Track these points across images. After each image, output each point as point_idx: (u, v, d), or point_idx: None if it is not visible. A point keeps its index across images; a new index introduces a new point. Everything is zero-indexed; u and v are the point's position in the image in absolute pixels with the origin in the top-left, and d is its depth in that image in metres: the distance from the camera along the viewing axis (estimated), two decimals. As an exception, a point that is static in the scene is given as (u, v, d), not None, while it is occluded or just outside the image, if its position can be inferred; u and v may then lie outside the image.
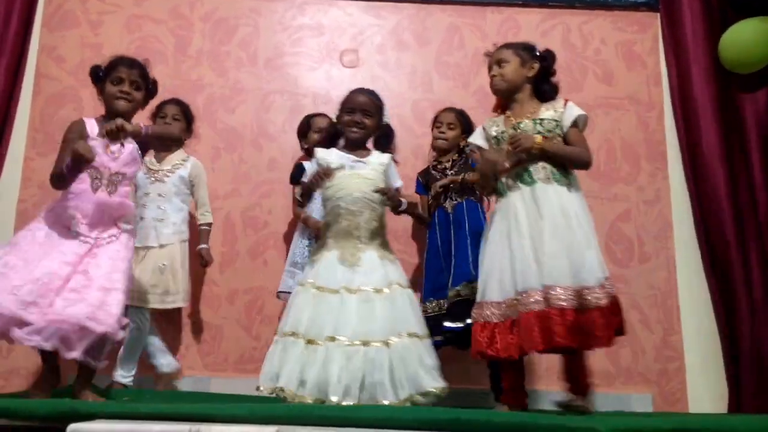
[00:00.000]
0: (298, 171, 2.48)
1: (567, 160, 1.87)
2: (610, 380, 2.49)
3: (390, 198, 1.97)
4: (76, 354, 1.67)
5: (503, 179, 1.91)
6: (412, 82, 2.93)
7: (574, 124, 1.89)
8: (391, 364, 1.75)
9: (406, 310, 1.86)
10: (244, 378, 2.53)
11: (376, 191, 1.95)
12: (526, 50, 1.96)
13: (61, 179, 1.84)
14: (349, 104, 2.07)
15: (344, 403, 1.68)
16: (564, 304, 1.66)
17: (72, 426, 1.14)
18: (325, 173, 1.92)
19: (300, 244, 2.39)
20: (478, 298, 1.86)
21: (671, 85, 2.88)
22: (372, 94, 2.09)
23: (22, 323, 1.64)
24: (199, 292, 2.66)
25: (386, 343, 1.78)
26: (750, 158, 2.71)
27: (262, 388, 1.81)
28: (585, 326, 1.67)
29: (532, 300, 1.70)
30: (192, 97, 2.83)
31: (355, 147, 2.07)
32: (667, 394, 2.57)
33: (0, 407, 1.28)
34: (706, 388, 2.59)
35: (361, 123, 2.04)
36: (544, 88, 1.95)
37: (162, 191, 2.40)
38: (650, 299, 2.68)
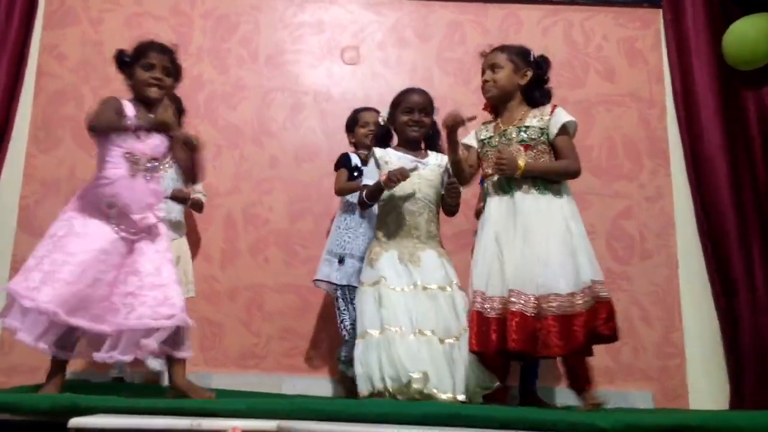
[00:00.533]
0: (345, 159, 2.46)
1: (553, 176, 1.86)
2: (611, 377, 2.49)
3: (452, 196, 2.02)
4: (153, 353, 1.68)
5: (486, 184, 1.93)
6: (413, 78, 2.92)
7: (563, 130, 1.86)
8: (459, 360, 1.83)
9: (462, 310, 1.93)
10: (245, 374, 2.54)
11: (449, 186, 2.02)
12: (520, 56, 1.93)
13: (111, 128, 1.74)
14: (406, 104, 2.11)
15: (416, 385, 1.76)
16: (521, 309, 1.69)
17: (74, 420, 1.15)
18: (402, 175, 1.95)
19: (337, 232, 2.38)
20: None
21: (673, 81, 2.86)
22: (426, 93, 2.16)
23: (75, 330, 1.65)
24: (200, 288, 2.66)
25: (457, 338, 1.86)
26: (753, 155, 2.71)
27: (360, 392, 1.86)
28: (539, 333, 1.68)
29: (495, 305, 1.75)
30: (193, 94, 2.84)
31: (413, 147, 2.12)
32: (667, 391, 2.57)
33: (2, 402, 1.29)
34: (706, 385, 2.58)
35: (420, 122, 2.09)
36: (535, 95, 1.93)
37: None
38: (651, 296, 2.68)
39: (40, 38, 2.86)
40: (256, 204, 2.78)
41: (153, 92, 1.83)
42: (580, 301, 1.70)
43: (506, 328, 1.69)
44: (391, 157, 2.08)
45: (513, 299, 1.71)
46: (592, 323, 1.70)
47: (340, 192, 2.41)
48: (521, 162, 1.80)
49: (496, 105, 1.98)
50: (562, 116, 1.87)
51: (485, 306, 1.76)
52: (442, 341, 1.86)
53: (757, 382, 2.46)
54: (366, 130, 2.43)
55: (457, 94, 2.92)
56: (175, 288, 1.74)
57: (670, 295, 2.67)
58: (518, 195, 1.83)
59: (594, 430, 1.09)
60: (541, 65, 1.95)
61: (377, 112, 2.36)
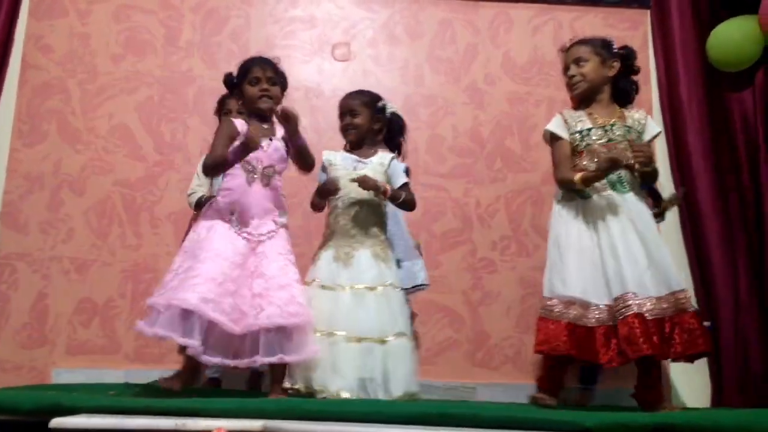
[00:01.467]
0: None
1: (651, 178, 1.86)
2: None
3: (365, 187, 1.96)
4: (298, 358, 1.73)
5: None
6: (404, 76, 2.92)
7: (652, 139, 1.89)
8: (386, 363, 1.80)
9: (398, 311, 1.91)
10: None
11: (353, 180, 1.96)
12: (605, 47, 1.87)
13: (220, 166, 1.86)
14: (340, 110, 2.15)
15: (344, 396, 1.73)
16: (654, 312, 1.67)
17: (55, 420, 1.14)
18: (333, 188, 1.97)
19: None
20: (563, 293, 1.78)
21: (659, 82, 2.89)
22: (357, 94, 2.15)
23: (206, 320, 1.66)
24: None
25: (382, 341, 1.83)
26: (737, 157, 2.75)
27: (298, 386, 1.83)
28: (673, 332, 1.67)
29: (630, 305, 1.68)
30: (182, 89, 2.81)
31: (359, 148, 2.11)
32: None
33: (-17, 401, 1.27)
34: (689, 384, 2.62)
35: (351, 124, 2.10)
36: (626, 88, 1.87)
37: None
38: (637, 295, 2.71)
39: (26, 29, 2.80)
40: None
41: (264, 103, 1.91)
42: (685, 302, 1.72)
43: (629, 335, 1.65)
44: (336, 160, 2.09)
45: (630, 302, 1.67)
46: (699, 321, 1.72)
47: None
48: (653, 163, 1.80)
49: (584, 101, 1.89)
50: (654, 126, 1.90)
51: (596, 314, 1.71)
52: (359, 341, 1.82)
53: (737, 381, 2.51)
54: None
55: (448, 92, 2.92)
56: (298, 288, 1.81)
57: (655, 295, 2.70)
58: (629, 195, 1.79)
59: (579, 428, 1.10)
60: (628, 55, 1.89)
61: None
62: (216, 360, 1.70)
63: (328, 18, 2.96)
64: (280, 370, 1.78)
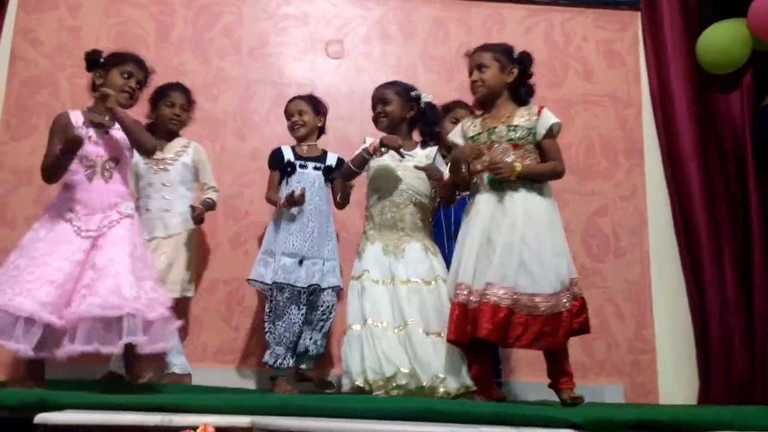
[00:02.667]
0: (277, 155, 2.40)
1: (542, 178, 1.91)
2: (584, 372, 2.54)
3: (431, 175, 2.00)
4: (114, 348, 1.68)
5: (475, 180, 1.94)
6: (397, 74, 2.91)
7: (549, 132, 1.91)
8: (447, 355, 1.84)
9: (447, 305, 1.93)
10: (223, 369, 2.52)
11: (419, 168, 2.00)
12: (505, 54, 1.97)
13: (54, 170, 1.82)
14: (372, 102, 2.17)
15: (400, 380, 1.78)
16: (495, 301, 1.73)
17: (40, 416, 1.13)
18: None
19: (272, 232, 2.34)
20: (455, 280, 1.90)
21: (650, 83, 2.92)
22: (389, 83, 2.18)
23: (42, 324, 1.65)
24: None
25: (440, 335, 1.87)
26: (725, 157, 2.78)
27: (358, 382, 1.85)
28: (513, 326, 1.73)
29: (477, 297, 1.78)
30: (173, 84, 2.79)
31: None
32: (638, 386, 2.63)
33: (-33, 397, 1.26)
34: (677, 380, 2.66)
35: (382, 112, 2.12)
36: (520, 91, 1.97)
37: (166, 180, 2.34)
38: (624, 293, 2.73)
39: (15, 22, 2.77)
40: (237, 197, 2.75)
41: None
42: (565, 301, 1.76)
43: (478, 317, 1.73)
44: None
45: (488, 292, 1.74)
46: (570, 320, 1.77)
47: (273, 204, 2.33)
48: (517, 165, 1.85)
49: (484, 103, 2.01)
50: (549, 118, 1.91)
51: (470, 299, 1.79)
52: (428, 334, 1.87)
53: (724, 377, 2.54)
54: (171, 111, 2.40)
55: (441, 90, 2.92)
56: (126, 279, 1.73)
57: (642, 292, 2.73)
58: (508, 193, 1.86)
59: (566, 424, 1.11)
60: (525, 62, 1.98)
61: None
62: (44, 354, 1.69)
63: (322, 15, 2.96)
64: (132, 361, 1.80)
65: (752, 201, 2.67)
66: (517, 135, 1.90)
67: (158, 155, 2.34)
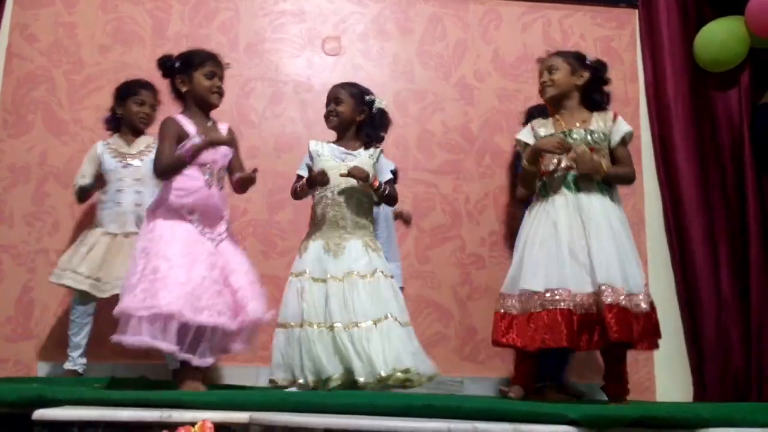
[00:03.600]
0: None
1: (620, 181, 1.95)
2: (582, 370, 2.55)
3: (358, 178, 1.98)
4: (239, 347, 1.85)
5: (546, 180, 1.94)
6: (394, 71, 2.93)
7: (623, 140, 1.95)
8: (374, 344, 1.83)
9: (389, 297, 1.94)
10: (221, 366, 2.53)
11: (343, 175, 1.97)
12: (576, 59, 2.01)
13: (175, 170, 1.84)
14: (327, 98, 2.14)
15: (333, 384, 1.80)
16: (618, 302, 1.74)
17: (38, 412, 1.13)
18: (321, 180, 1.98)
19: None
20: (507, 290, 1.92)
21: (647, 81, 2.93)
22: (346, 84, 2.16)
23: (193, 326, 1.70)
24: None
25: (375, 323, 1.86)
26: (721, 156, 2.79)
27: (276, 379, 1.90)
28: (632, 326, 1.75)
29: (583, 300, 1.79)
30: (170, 81, 2.78)
31: (343, 139, 2.12)
32: (635, 384, 2.63)
33: (-35, 393, 1.25)
34: (673, 378, 2.67)
35: (333, 111, 2.10)
36: (595, 98, 1.99)
37: (137, 175, 2.35)
38: (622, 291, 2.74)
39: (11, 18, 2.76)
40: (234, 194, 2.74)
41: (216, 99, 1.93)
42: (643, 303, 1.81)
43: (603, 322, 1.73)
44: (323, 150, 2.09)
45: (606, 294, 1.75)
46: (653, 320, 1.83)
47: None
48: (604, 165, 1.87)
49: (554, 106, 2.02)
50: (624, 126, 1.95)
51: (577, 304, 1.78)
52: (357, 325, 1.86)
53: (720, 375, 2.55)
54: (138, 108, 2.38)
55: (437, 88, 2.93)
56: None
57: (639, 291, 2.74)
58: (583, 195, 1.88)
59: (564, 420, 1.11)
60: (598, 68, 2.01)
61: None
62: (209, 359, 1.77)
63: (319, 12, 2.95)
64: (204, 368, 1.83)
65: (749, 199, 2.68)
66: (593, 139, 1.92)
67: (126, 149, 2.38)
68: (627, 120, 2.93)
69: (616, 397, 1.87)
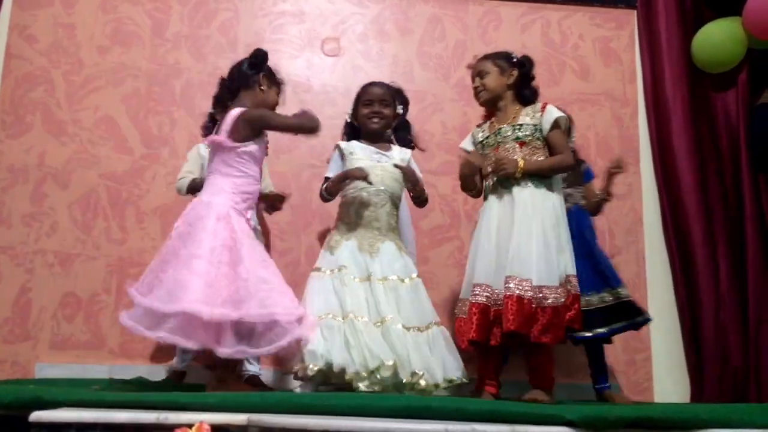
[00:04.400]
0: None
1: (549, 171, 1.96)
2: (579, 370, 2.54)
3: (409, 178, 2.03)
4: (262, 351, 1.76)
5: (487, 183, 2.02)
6: (394, 72, 2.92)
7: (555, 126, 1.96)
8: (427, 349, 1.86)
9: (427, 301, 1.98)
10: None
11: (397, 167, 2.02)
12: (503, 59, 2.05)
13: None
14: (366, 96, 2.15)
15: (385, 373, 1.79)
16: (519, 293, 1.77)
17: (35, 414, 1.12)
18: (360, 175, 2.00)
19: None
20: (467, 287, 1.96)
21: (645, 82, 2.93)
22: (386, 85, 2.19)
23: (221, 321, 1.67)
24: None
25: (419, 329, 1.90)
26: (720, 156, 2.79)
27: (312, 366, 1.82)
28: (536, 319, 1.78)
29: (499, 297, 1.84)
30: (169, 82, 2.79)
31: (376, 139, 2.14)
32: (633, 384, 2.65)
33: (-38, 395, 1.25)
34: (671, 379, 2.67)
35: (379, 113, 2.12)
36: (525, 93, 2.04)
37: None
38: (620, 292, 2.74)
39: (10, 18, 2.76)
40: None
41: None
42: (562, 295, 1.82)
43: (504, 312, 1.77)
44: (355, 149, 2.10)
45: (510, 284, 1.78)
46: (564, 315, 1.82)
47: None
48: (520, 161, 1.91)
49: (490, 108, 2.08)
50: (553, 113, 1.97)
51: (491, 299, 1.84)
52: (407, 329, 1.88)
53: (718, 376, 2.55)
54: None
55: (437, 88, 2.93)
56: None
57: (637, 291, 2.73)
58: (516, 189, 1.92)
59: (561, 421, 1.11)
60: (525, 64, 2.06)
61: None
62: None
63: (318, 12, 2.95)
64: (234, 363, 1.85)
65: (746, 200, 2.68)
66: (523, 133, 1.95)
67: None
68: (626, 121, 2.98)
69: (534, 389, 1.85)
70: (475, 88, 2.06)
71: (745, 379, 2.53)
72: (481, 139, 2.06)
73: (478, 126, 2.13)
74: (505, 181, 1.94)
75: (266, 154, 2.01)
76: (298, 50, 2.91)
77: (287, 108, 2.90)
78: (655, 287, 2.77)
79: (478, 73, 2.05)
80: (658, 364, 2.67)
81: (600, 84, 2.95)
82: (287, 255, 2.67)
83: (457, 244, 2.79)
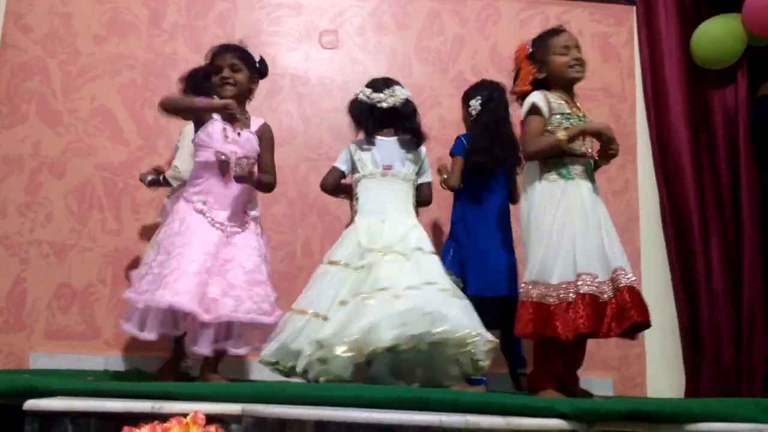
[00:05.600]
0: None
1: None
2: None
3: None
4: (244, 351, 1.82)
5: (571, 165, 1.84)
6: (392, 66, 2.91)
7: None
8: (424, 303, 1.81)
9: (433, 269, 1.93)
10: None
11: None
12: None
13: (179, 109, 1.91)
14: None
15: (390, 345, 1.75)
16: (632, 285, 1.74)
17: (30, 402, 1.12)
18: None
19: None
20: (536, 278, 1.77)
21: (644, 78, 2.93)
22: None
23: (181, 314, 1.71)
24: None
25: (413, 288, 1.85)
26: (717, 153, 2.79)
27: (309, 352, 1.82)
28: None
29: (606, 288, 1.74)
30: (166, 72, 2.77)
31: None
32: (627, 379, 2.66)
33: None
34: (665, 374, 2.69)
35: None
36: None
37: None
38: (615, 287, 2.75)
39: (5, 7, 2.73)
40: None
41: (227, 91, 1.92)
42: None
43: (622, 306, 1.70)
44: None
45: (622, 277, 1.74)
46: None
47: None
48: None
49: (568, 87, 1.90)
50: None
51: (601, 289, 1.72)
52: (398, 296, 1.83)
53: (712, 373, 2.57)
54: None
55: (435, 82, 2.92)
56: (270, 286, 1.88)
57: (633, 287, 2.75)
58: (591, 181, 1.87)
59: (554, 414, 1.12)
60: None
61: None
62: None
63: (316, 5, 2.94)
64: (214, 360, 1.83)
65: (743, 196, 2.69)
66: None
67: None
68: (623, 117, 2.97)
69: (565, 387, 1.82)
70: (579, 60, 1.85)
71: (738, 375, 2.55)
72: (560, 112, 1.83)
73: (549, 94, 1.85)
74: (591, 170, 1.87)
75: (225, 137, 1.90)
76: (295, 43, 2.90)
77: (285, 100, 2.91)
78: (649, 283, 2.77)
79: (576, 45, 1.86)
80: (652, 360, 2.69)
81: (598, 80, 2.94)
82: (283, 248, 2.67)
83: (454, 238, 2.79)
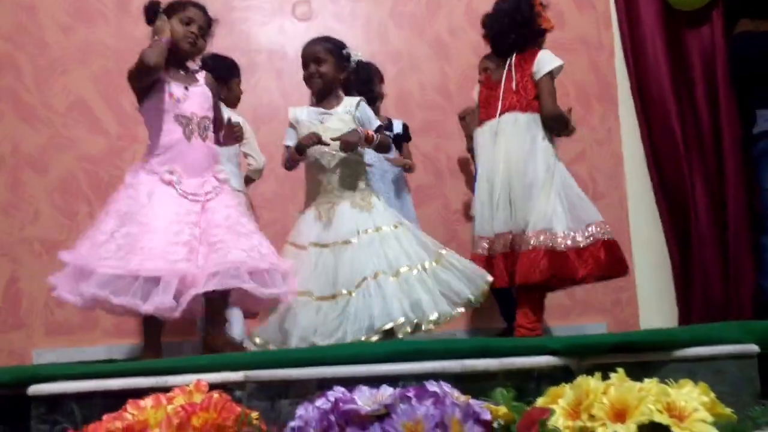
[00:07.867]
0: None
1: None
2: (567, 313, 2.62)
3: (348, 149, 1.90)
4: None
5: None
6: (368, 33, 2.88)
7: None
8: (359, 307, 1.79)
9: (380, 251, 1.85)
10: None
11: (334, 138, 1.89)
12: None
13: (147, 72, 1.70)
14: (302, 59, 2.01)
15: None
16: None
17: (33, 387, 1.14)
18: (313, 140, 1.89)
19: None
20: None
21: (620, 26, 2.91)
22: (320, 40, 2.03)
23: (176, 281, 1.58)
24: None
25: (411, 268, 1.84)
26: (695, 95, 2.80)
27: (258, 341, 1.84)
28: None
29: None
30: (136, 55, 2.71)
31: (323, 99, 2.01)
32: (620, 322, 2.73)
33: (-41, 376, 1.26)
34: (657, 314, 2.75)
35: (316, 73, 1.97)
36: None
37: None
38: (604, 235, 2.79)
39: (-33, 5, 2.66)
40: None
41: (186, 45, 1.77)
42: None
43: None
44: (302, 115, 2.01)
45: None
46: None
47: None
48: None
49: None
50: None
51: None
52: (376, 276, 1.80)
53: (703, 308, 2.63)
54: None
55: (412, 46, 2.90)
56: (261, 236, 1.74)
57: (621, 234, 2.77)
58: None
59: (545, 351, 1.15)
60: None
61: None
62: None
63: (287, -25, 2.88)
64: (219, 318, 1.74)
65: (724, 132, 2.69)
66: None
67: None
68: (602, 67, 2.97)
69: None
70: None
71: (726, 314, 2.60)
72: None
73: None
74: None
75: (178, 101, 1.75)
76: (268, 17, 2.85)
77: (263, 77, 2.87)
78: (638, 228, 2.82)
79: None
80: (645, 302, 2.75)
81: (575, 30, 2.93)
82: (273, 225, 2.67)
83: (443, 201, 2.82)
